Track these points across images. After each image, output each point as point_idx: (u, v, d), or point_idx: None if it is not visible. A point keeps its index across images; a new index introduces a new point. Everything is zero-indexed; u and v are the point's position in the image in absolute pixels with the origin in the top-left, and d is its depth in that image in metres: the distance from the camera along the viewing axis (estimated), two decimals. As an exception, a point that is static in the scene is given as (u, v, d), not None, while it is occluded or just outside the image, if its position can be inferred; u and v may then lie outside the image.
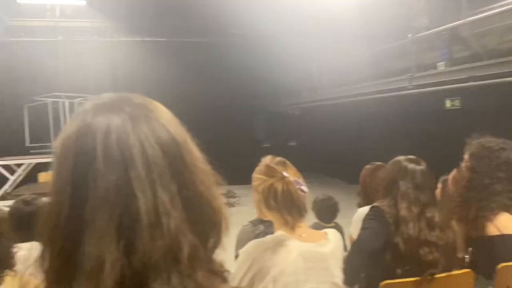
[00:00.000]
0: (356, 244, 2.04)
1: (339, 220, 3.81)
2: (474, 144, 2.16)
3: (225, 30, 10.64)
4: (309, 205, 3.73)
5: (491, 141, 2.13)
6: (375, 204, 2.06)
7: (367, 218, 2.02)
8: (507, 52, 5.41)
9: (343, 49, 8.70)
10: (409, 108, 8.00)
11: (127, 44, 11.17)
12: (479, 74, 5.45)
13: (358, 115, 9.90)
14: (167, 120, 0.62)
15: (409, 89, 6.69)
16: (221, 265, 0.63)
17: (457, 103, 6.98)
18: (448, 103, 7.10)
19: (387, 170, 2.13)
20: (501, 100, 6.26)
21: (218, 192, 0.63)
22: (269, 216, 1.64)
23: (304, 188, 1.61)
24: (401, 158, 2.08)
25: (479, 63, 5.60)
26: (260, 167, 1.68)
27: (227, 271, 0.64)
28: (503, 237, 2.00)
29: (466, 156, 2.16)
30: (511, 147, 2.11)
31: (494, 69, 5.28)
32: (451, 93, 6.57)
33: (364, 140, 9.78)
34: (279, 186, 1.58)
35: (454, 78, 5.92)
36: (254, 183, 1.67)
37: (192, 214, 0.57)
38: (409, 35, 6.67)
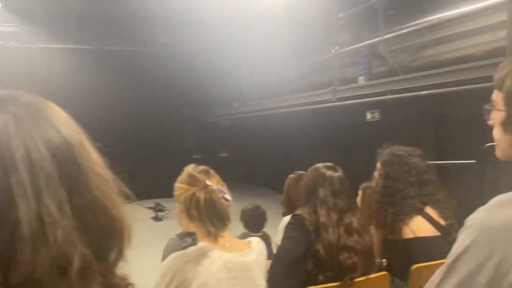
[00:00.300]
0: (277, 254, 2.07)
1: (268, 229, 3.85)
2: (385, 153, 2.30)
3: (153, 39, 10.44)
4: (237, 215, 3.75)
5: (400, 149, 2.28)
6: (296, 212, 2.10)
7: (288, 227, 2.05)
8: (419, 68, 5.87)
9: (272, 62, 8.92)
10: (333, 120, 8.35)
11: (47, 50, 10.54)
12: (395, 88, 5.84)
13: (287, 126, 10.16)
14: (59, 121, 0.56)
15: (332, 102, 6.99)
16: (124, 279, 0.59)
17: (376, 115, 7.41)
18: (368, 115, 7.52)
19: (307, 177, 2.19)
20: (415, 112, 6.75)
21: (119, 199, 0.59)
22: (191, 226, 1.60)
23: (228, 196, 1.60)
24: (319, 165, 2.16)
25: (395, 78, 6.00)
26: (182, 176, 1.64)
27: (131, 284, 0.60)
28: (417, 240, 2.13)
29: (378, 165, 2.29)
30: (418, 154, 2.28)
31: (409, 83, 5.68)
32: (371, 106, 6.97)
33: (293, 150, 10.03)
34: (201, 195, 1.55)
35: (373, 91, 6.28)
36: (176, 192, 1.62)
37: (86, 223, 0.52)
38: (333, 50, 6.99)
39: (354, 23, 6.75)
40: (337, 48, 6.88)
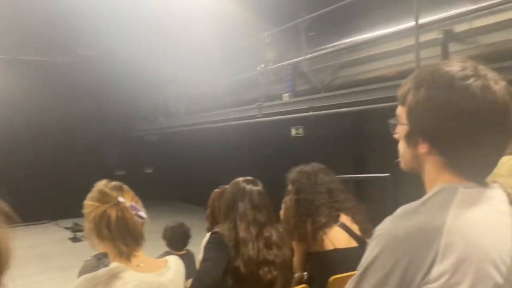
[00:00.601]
0: (197, 276, 2.02)
1: (193, 247, 3.76)
2: (292, 173, 2.42)
3: (73, 50, 9.91)
4: (160, 233, 3.60)
5: (306, 167, 2.42)
6: (215, 229, 2.08)
7: (207, 246, 2.02)
8: (339, 87, 6.17)
9: (199, 76, 8.87)
10: (260, 135, 8.47)
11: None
12: (317, 105, 6.08)
13: (214, 141, 10.12)
14: None
15: (258, 117, 7.10)
16: None
17: (301, 131, 7.66)
18: (293, 131, 7.75)
19: (227, 192, 2.18)
20: (336, 129, 7.07)
21: None
22: (101, 247, 1.49)
23: (142, 214, 1.52)
24: (239, 179, 2.16)
25: (317, 96, 6.25)
26: (93, 193, 1.53)
27: None
28: (336, 251, 2.20)
29: (289, 185, 2.39)
30: (321, 169, 2.42)
31: (329, 101, 5.95)
32: (295, 122, 7.18)
33: (220, 165, 9.99)
34: (113, 213, 1.45)
35: (297, 108, 6.48)
36: (85, 210, 1.51)
37: None
38: (259, 68, 7.14)
39: (279, 41, 6.96)
40: (262, 65, 7.04)
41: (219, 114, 8.48)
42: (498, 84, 0.90)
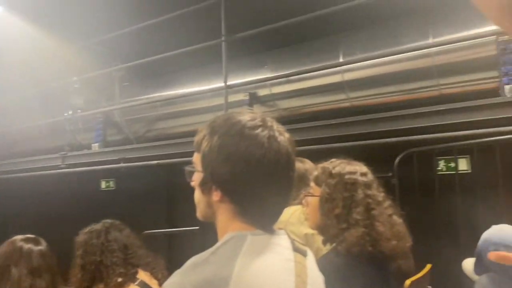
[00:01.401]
0: None
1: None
2: (80, 234, 2.28)
3: None
4: None
5: (95, 226, 2.30)
6: None
7: None
8: (154, 139, 6.10)
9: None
10: (64, 187, 7.64)
11: None
12: (129, 157, 5.85)
13: (6, 195, 8.65)
14: None
15: (61, 168, 6.42)
16: None
17: (111, 184, 7.22)
18: (103, 184, 7.25)
19: (0, 254, 1.82)
20: (149, 182, 6.88)
21: None
22: None
23: None
24: (17, 238, 1.85)
25: (129, 146, 6.03)
26: None
27: None
28: None
29: (77, 250, 2.21)
30: (113, 225, 2.31)
31: (142, 152, 5.80)
32: (105, 174, 6.72)
33: (13, 223, 8.55)
34: None
35: (107, 159, 6.11)
36: None
37: None
38: (66, 114, 6.57)
39: (89, 88, 6.57)
40: (70, 112, 6.50)
41: (13, 164, 7.36)
42: (282, 135, 0.97)
